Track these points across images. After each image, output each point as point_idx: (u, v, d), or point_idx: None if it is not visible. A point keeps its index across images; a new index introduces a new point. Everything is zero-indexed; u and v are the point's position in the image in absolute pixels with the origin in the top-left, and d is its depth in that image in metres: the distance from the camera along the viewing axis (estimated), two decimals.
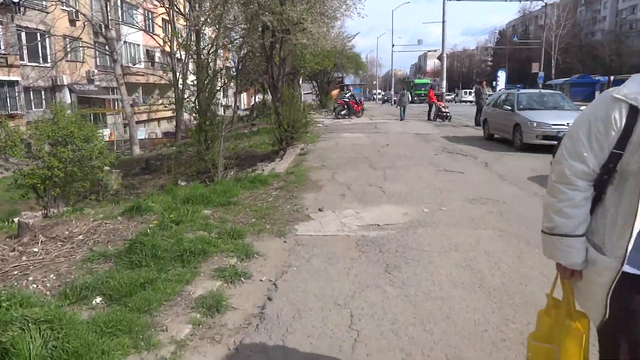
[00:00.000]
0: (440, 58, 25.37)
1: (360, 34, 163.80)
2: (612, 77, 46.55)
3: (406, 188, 6.99)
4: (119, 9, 34.30)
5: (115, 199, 12.24)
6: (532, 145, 10.61)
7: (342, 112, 24.73)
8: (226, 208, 6.13)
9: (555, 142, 11.12)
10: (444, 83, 24.94)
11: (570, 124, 9.03)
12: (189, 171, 12.87)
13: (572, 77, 52.38)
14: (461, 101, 58.89)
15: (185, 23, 23.05)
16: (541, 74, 41.84)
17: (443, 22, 22.28)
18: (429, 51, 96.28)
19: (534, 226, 4.79)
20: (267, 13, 10.50)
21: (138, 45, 38.17)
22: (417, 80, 63.18)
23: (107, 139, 29.01)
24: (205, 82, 13.26)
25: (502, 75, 17.38)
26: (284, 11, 9.96)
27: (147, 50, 39.14)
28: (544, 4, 47.57)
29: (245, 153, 13.27)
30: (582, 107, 11.60)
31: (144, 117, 36.15)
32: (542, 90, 12.64)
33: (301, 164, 9.81)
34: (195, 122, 13.37)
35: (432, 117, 22.21)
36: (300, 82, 31.75)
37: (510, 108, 11.66)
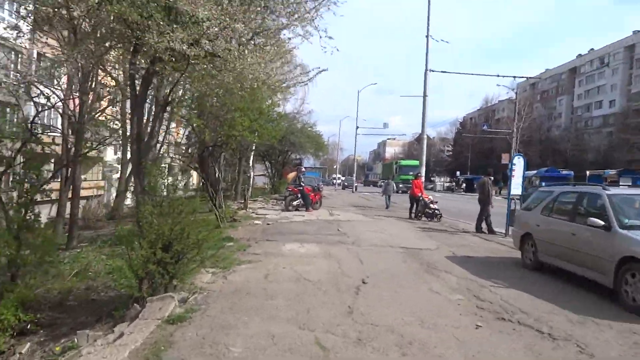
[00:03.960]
0: (419, 139, 20.65)
1: (322, 121, 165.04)
2: (587, 172, 44.42)
3: None
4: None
5: None
6: None
7: (295, 203, 18.82)
8: None
9: None
10: (423, 169, 19.86)
11: None
12: None
13: (539, 170, 50.17)
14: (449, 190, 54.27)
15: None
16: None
17: (424, 96, 17.68)
18: (388, 138, 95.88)
19: None
20: None
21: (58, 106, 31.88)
22: (403, 162, 52.45)
23: None
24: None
25: (519, 163, 12.16)
26: None
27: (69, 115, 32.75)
28: (510, 97, 46.18)
29: (83, 293, 6.67)
30: None
31: (54, 195, 28.66)
32: None
33: None
34: None
35: (413, 215, 16.66)
36: (251, 162, 25.99)
37: (603, 223, 5.98)
